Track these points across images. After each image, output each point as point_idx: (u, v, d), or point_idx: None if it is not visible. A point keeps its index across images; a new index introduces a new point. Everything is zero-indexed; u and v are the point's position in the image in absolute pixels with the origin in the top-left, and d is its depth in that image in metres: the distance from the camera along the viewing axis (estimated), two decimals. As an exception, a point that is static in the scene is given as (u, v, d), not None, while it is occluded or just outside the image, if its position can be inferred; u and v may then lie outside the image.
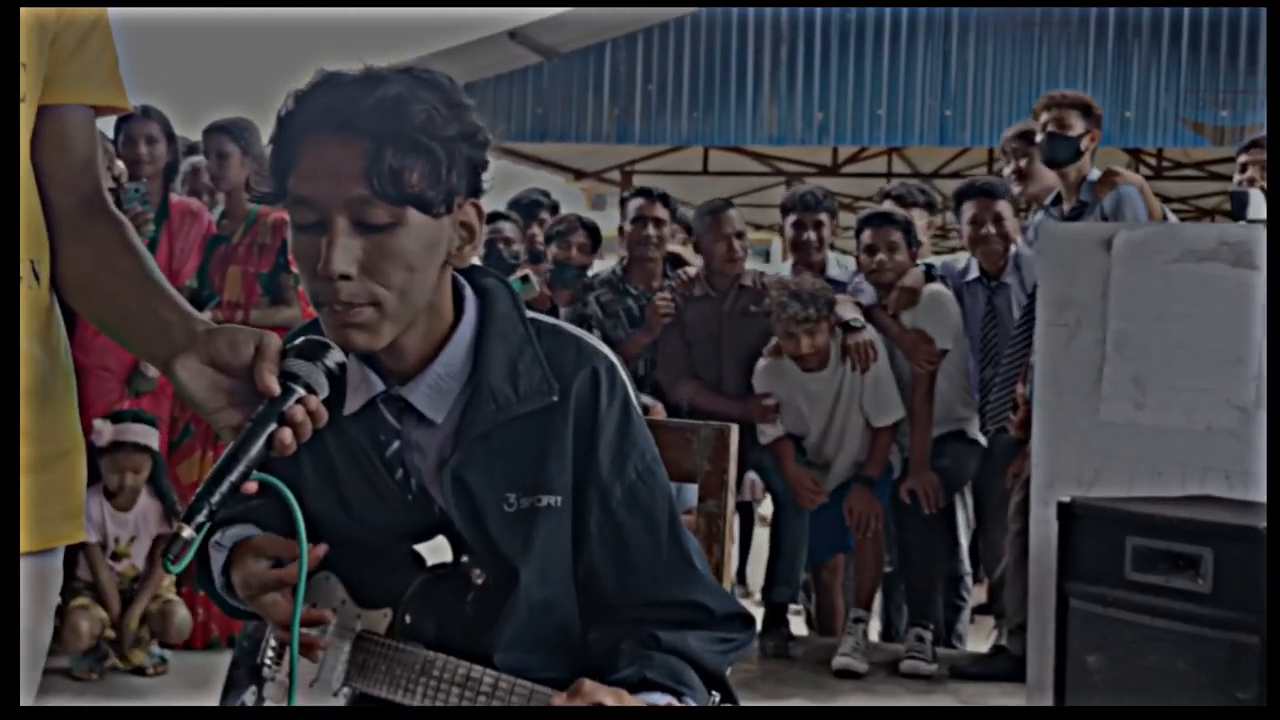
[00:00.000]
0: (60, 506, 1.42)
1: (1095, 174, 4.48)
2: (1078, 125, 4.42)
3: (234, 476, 1.21)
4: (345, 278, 1.35)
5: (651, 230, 4.94)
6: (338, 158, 1.34)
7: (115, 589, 4.28)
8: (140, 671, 4.33)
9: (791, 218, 5.00)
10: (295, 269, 4.59)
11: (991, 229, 4.68)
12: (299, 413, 1.25)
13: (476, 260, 1.55)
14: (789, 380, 4.57)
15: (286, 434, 1.24)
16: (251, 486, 1.23)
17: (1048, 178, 4.70)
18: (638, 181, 12.02)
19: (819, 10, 9.25)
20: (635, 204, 5.01)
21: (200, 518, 1.19)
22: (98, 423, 4.18)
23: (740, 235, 4.85)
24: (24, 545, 1.37)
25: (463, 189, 1.41)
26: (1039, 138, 4.52)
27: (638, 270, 5.02)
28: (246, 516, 1.56)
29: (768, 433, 4.62)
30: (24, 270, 1.35)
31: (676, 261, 5.17)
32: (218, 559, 1.52)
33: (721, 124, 9.53)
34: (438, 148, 1.36)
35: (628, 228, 5.01)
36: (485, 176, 1.45)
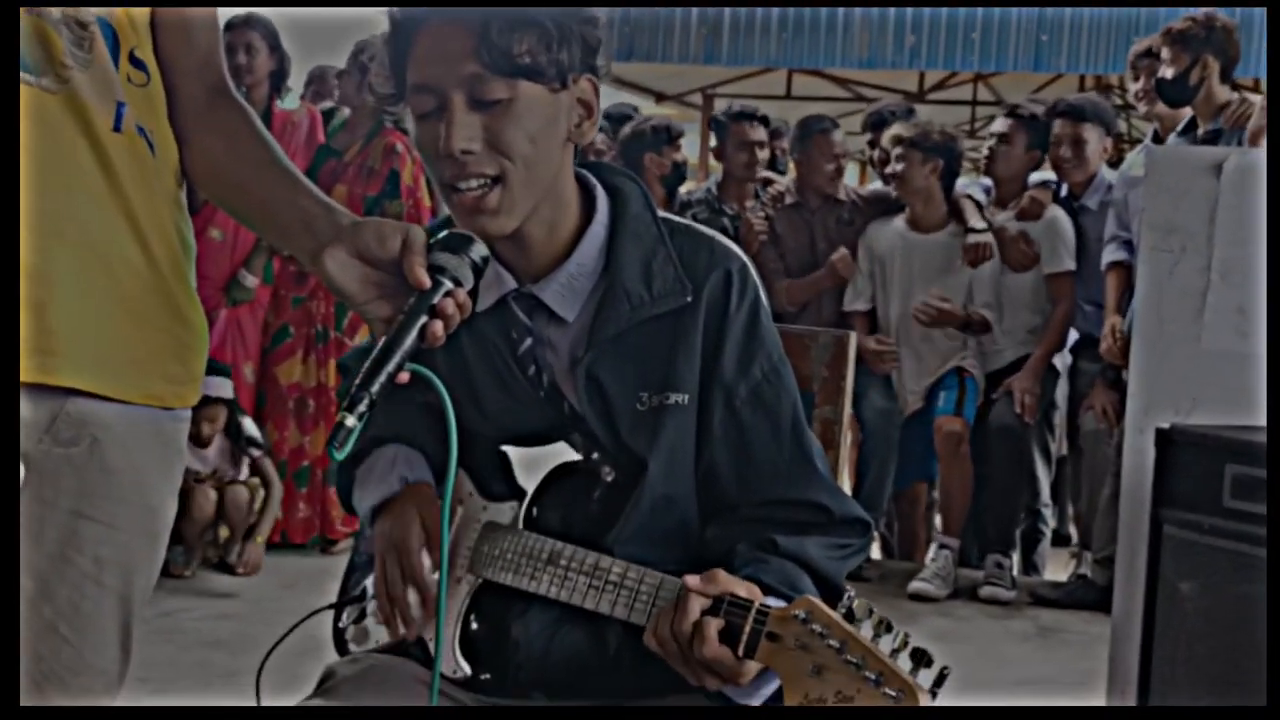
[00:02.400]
0: (185, 370, 1.42)
1: (1233, 97, 4.22)
2: (1184, 59, 4.20)
3: (390, 368, 1.24)
4: (468, 153, 1.38)
5: (750, 155, 4.96)
6: (449, 38, 1.38)
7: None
8: (229, 569, 4.46)
9: (868, 136, 5.12)
10: (404, 200, 4.60)
11: (1068, 151, 4.62)
12: (449, 305, 1.28)
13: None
14: (891, 234, 4.68)
15: (438, 326, 1.27)
16: (404, 377, 1.26)
17: None
18: (719, 105, 11.93)
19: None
20: (737, 127, 4.98)
21: (361, 407, 1.23)
22: None
23: (843, 156, 4.88)
24: (141, 396, 1.36)
25: (576, 65, 1.43)
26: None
27: (733, 189, 5.01)
28: (398, 435, 1.61)
29: (850, 297, 4.75)
30: (130, 130, 1.34)
31: (765, 185, 5.16)
32: (370, 489, 1.59)
33: (811, 46, 9.36)
34: (545, 20, 1.39)
35: (729, 150, 4.99)
36: (600, 57, 1.46)
